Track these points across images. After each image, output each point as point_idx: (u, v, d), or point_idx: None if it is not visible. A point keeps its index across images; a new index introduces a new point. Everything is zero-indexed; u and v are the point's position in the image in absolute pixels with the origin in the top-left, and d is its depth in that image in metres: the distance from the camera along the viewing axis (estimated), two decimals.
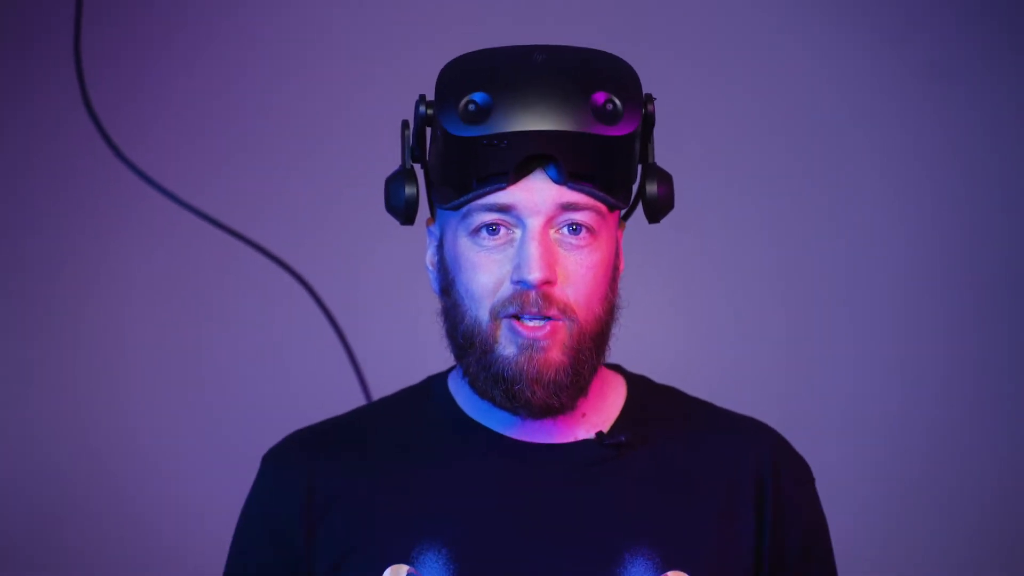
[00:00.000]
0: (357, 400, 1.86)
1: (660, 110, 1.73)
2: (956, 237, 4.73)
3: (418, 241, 1.72)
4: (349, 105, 2.70)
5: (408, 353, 1.82)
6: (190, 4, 4.63)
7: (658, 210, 1.64)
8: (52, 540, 4.06)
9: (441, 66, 1.59)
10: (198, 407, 4.30)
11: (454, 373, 1.68)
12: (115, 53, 3.96)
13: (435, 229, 1.65)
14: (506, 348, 1.54)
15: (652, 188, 1.62)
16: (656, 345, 1.89)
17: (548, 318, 1.54)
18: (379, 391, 1.85)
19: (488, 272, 1.55)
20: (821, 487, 1.80)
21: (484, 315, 1.55)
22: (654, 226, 1.70)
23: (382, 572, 1.56)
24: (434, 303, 1.66)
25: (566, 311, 1.54)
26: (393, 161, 1.65)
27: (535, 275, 1.50)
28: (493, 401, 1.58)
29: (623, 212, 1.63)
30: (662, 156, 1.72)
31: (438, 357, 1.71)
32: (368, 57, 1.88)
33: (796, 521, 1.68)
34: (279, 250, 2.42)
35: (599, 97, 1.52)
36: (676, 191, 1.65)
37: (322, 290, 2.41)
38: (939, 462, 4.69)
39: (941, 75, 4.78)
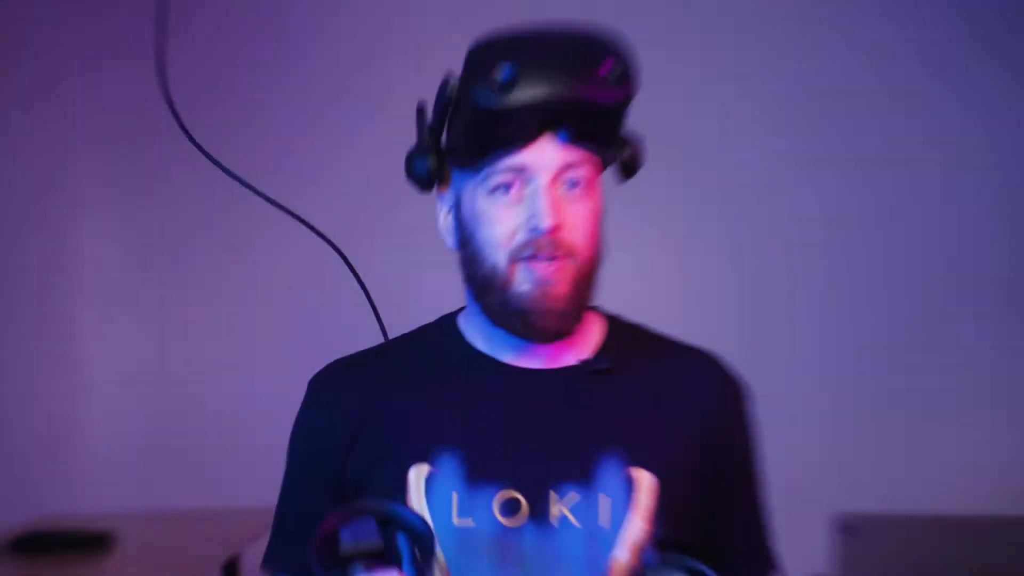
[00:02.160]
0: (378, 338, 2.00)
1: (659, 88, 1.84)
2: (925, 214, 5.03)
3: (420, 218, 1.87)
4: (375, 112, 2.83)
5: (415, 301, 1.98)
6: (257, 25, 4.92)
7: (631, 170, 1.79)
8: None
9: (467, 51, 1.69)
10: (240, 347, 4.68)
11: (463, 313, 1.83)
12: (196, 60, 4.13)
13: (448, 195, 1.77)
14: (522, 285, 1.67)
15: (627, 153, 1.76)
16: (628, 289, 2.02)
17: (557, 257, 1.67)
18: (393, 331, 1.98)
19: (504, 223, 1.67)
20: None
21: (502, 260, 1.68)
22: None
23: (408, 471, 1.71)
24: (433, 262, 1.83)
25: (571, 252, 1.68)
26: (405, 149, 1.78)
27: (548, 222, 1.64)
28: (512, 330, 1.72)
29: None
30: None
31: (439, 306, 1.90)
32: (397, 72, 1.99)
33: (734, 433, 1.85)
34: (319, 223, 2.60)
35: (608, 64, 1.64)
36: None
37: (352, 255, 2.60)
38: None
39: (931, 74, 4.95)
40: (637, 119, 1.79)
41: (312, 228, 2.65)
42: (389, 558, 1.53)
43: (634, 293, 2.08)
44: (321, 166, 4.07)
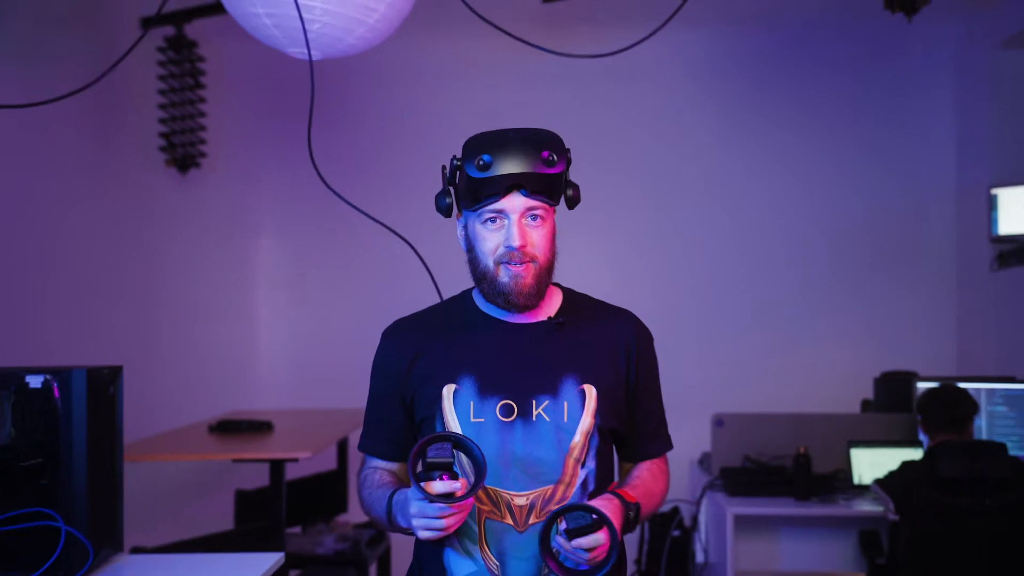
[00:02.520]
0: (425, 304, 1.97)
1: (579, 147, 1.82)
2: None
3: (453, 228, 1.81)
4: (425, 160, 2.79)
5: (457, 279, 1.93)
6: (369, 122, 4.96)
7: (572, 203, 1.77)
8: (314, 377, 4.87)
9: (464, 142, 1.71)
10: (347, 310, 4.68)
11: (475, 288, 1.77)
12: (330, 140, 4.11)
13: (462, 219, 1.75)
14: (504, 278, 1.67)
15: (569, 193, 1.74)
16: (575, 273, 1.97)
17: (524, 263, 1.66)
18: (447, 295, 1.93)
19: (492, 241, 1.68)
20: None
21: (490, 263, 1.68)
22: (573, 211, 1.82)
23: (442, 388, 1.69)
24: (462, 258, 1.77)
25: (533, 259, 1.67)
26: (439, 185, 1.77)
27: (517, 242, 1.66)
28: (498, 305, 1.71)
29: (556, 204, 1.73)
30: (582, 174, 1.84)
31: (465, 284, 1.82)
32: (439, 150, 1.98)
33: (644, 362, 1.79)
34: (399, 228, 2.51)
35: (544, 153, 1.65)
36: (586, 192, 1.79)
37: (421, 248, 2.49)
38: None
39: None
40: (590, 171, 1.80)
41: (398, 235, 2.61)
42: (455, 470, 1.54)
43: (584, 275, 2.03)
44: (403, 200, 4.04)
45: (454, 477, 1.52)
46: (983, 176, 4.57)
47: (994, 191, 4.31)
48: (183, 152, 4.80)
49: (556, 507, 1.60)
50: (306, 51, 2.66)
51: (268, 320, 5.13)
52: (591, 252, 4.91)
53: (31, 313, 3.99)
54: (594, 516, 1.53)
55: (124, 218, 4.83)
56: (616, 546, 1.53)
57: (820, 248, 5.01)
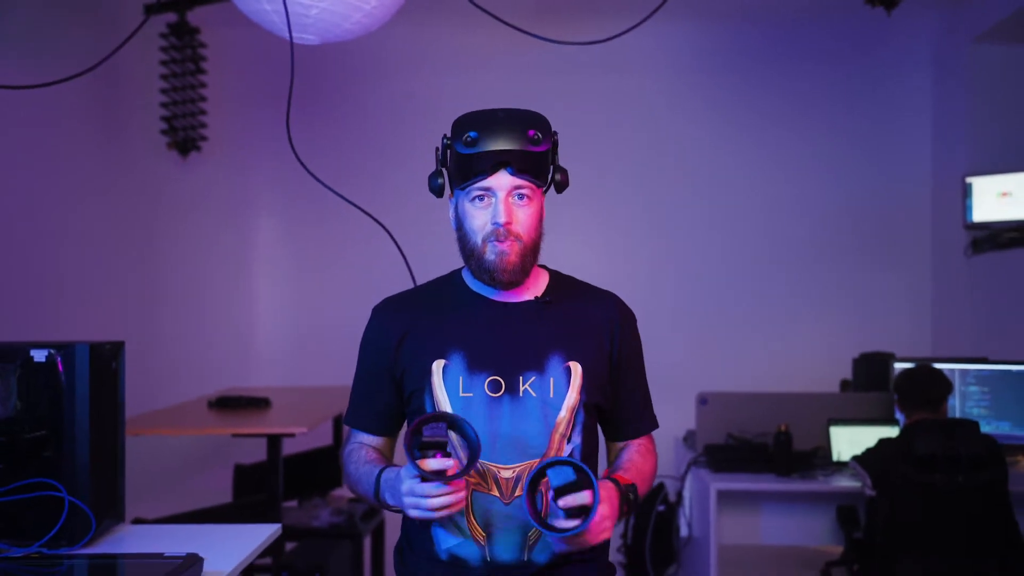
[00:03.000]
0: (409, 284, 1.95)
1: (572, 136, 1.80)
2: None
3: (442, 211, 1.81)
4: (414, 147, 2.78)
5: (435, 262, 1.92)
6: (347, 108, 4.88)
7: (561, 187, 1.74)
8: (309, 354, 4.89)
9: (452, 122, 1.70)
10: (343, 290, 4.63)
11: (464, 268, 1.77)
12: (308, 116, 4.09)
13: (453, 200, 1.73)
14: (490, 255, 1.66)
15: (558, 177, 1.72)
16: (564, 256, 1.97)
17: (508, 240, 1.65)
18: (421, 280, 1.93)
19: (480, 219, 1.66)
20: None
21: (478, 240, 1.67)
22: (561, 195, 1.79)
23: (432, 363, 1.68)
24: (447, 240, 1.77)
25: (518, 237, 1.66)
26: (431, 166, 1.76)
27: (503, 220, 1.64)
28: (484, 281, 1.70)
29: (545, 188, 1.71)
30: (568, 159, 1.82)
31: (450, 264, 1.82)
32: (428, 132, 1.98)
33: (627, 341, 1.78)
34: (376, 213, 2.50)
35: (531, 132, 1.65)
36: (571, 176, 1.75)
37: (396, 233, 2.48)
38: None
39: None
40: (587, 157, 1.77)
41: (376, 220, 2.61)
42: (449, 449, 1.55)
43: (573, 259, 2.02)
44: (383, 186, 4.09)
45: (447, 457, 1.51)
46: (958, 165, 4.59)
47: (968, 180, 4.33)
48: (184, 136, 4.78)
49: (540, 462, 1.58)
50: (306, 36, 2.65)
51: (266, 299, 5.13)
52: (581, 236, 4.91)
53: (37, 292, 3.98)
54: (578, 475, 1.51)
55: (125, 199, 4.82)
56: (597, 503, 1.50)
57: (802, 234, 5.03)
